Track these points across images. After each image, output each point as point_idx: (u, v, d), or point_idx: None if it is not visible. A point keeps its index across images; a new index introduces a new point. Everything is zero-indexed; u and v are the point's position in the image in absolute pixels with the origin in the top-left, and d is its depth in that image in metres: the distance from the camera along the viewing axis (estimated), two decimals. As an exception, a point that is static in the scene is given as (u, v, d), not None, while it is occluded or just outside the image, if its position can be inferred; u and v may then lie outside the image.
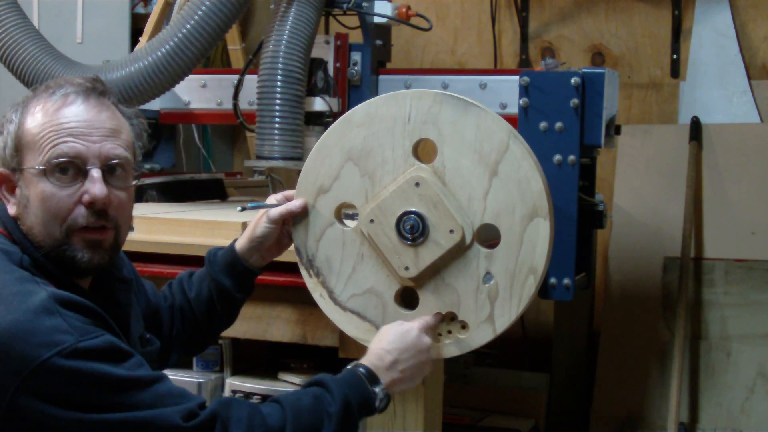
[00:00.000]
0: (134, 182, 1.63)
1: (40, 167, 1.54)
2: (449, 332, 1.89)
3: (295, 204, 1.89)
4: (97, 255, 1.58)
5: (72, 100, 1.57)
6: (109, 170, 1.57)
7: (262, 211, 1.92)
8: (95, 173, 1.55)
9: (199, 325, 1.95)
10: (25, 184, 1.56)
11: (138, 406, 1.44)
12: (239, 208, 1.91)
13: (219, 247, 1.97)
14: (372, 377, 1.71)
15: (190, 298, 1.94)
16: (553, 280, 2.15)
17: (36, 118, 1.56)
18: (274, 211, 1.89)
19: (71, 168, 1.55)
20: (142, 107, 2.70)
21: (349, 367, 1.73)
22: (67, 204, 1.55)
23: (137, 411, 1.44)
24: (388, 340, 1.78)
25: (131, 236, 1.96)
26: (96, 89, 1.61)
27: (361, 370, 1.72)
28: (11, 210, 1.59)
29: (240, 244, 1.92)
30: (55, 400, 1.41)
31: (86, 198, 1.55)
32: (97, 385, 1.43)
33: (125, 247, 1.70)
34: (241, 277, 1.92)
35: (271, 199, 1.93)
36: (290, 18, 2.54)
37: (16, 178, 1.58)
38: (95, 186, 1.55)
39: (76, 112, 1.56)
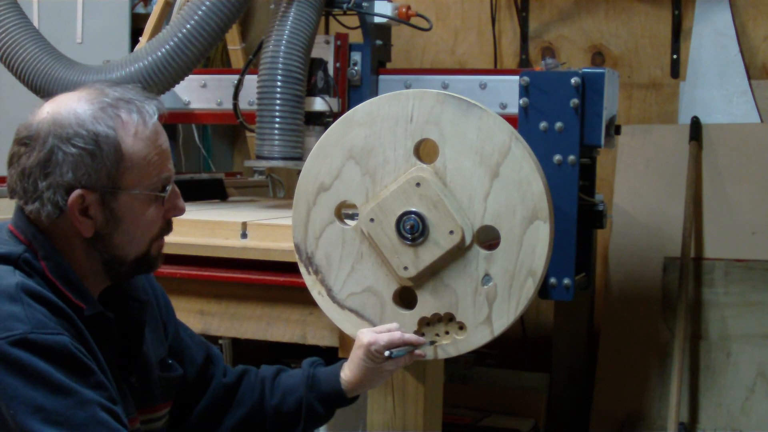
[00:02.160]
0: None
1: (150, 191, 1.56)
2: (447, 333, 1.89)
3: (416, 338, 1.87)
4: (161, 258, 1.66)
5: (157, 119, 1.58)
6: None
7: (386, 353, 1.83)
8: (177, 189, 1.62)
9: (264, 429, 1.90)
10: (121, 205, 1.54)
11: (70, 421, 1.39)
12: (387, 352, 1.82)
13: (318, 363, 1.92)
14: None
15: (268, 404, 1.88)
16: (553, 280, 2.15)
17: (138, 140, 1.54)
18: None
19: (168, 189, 1.60)
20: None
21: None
22: (159, 221, 1.61)
23: (66, 430, 1.38)
24: None
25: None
26: (159, 103, 1.63)
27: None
28: (87, 231, 1.54)
29: (349, 378, 1.86)
30: None
31: (174, 214, 1.62)
32: (34, 381, 1.39)
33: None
34: (339, 405, 1.89)
35: (396, 333, 1.86)
36: (290, 18, 2.54)
37: (102, 198, 1.53)
38: (181, 201, 1.63)
39: (163, 133, 1.60)
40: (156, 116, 1.57)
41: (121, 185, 1.53)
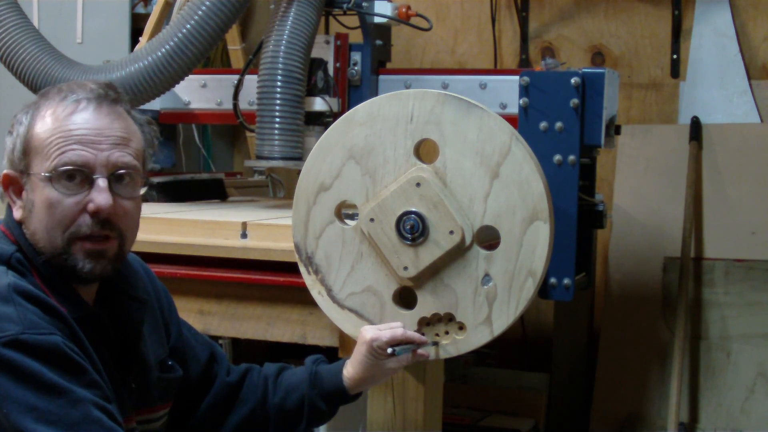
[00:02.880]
0: (142, 191, 1.61)
1: (47, 174, 1.52)
2: (447, 333, 1.89)
3: (419, 336, 1.86)
4: (99, 265, 1.55)
5: (84, 106, 1.55)
6: (116, 179, 1.55)
7: (389, 350, 1.82)
8: (101, 182, 1.53)
9: (267, 427, 1.89)
10: (31, 189, 1.55)
11: (63, 420, 1.38)
12: (389, 349, 1.81)
13: (321, 360, 1.92)
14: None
15: (271, 402, 1.88)
16: (553, 280, 2.15)
17: (46, 123, 1.54)
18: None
19: (78, 176, 1.53)
20: (142, 107, 2.70)
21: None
22: (72, 212, 1.53)
23: (60, 429, 1.38)
24: None
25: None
26: (109, 96, 1.58)
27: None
28: (17, 213, 1.57)
29: (351, 375, 1.86)
30: None
31: (91, 207, 1.53)
32: (26, 382, 1.39)
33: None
34: (341, 403, 1.89)
35: (399, 329, 1.85)
36: (290, 18, 2.54)
37: (23, 182, 1.56)
38: (101, 195, 1.53)
39: (87, 118, 1.54)
40: (85, 103, 1.55)
41: (29, 168, 1.55)
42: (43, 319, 1.44)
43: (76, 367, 1.43)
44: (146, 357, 1.69)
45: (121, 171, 1.56)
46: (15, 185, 1.58)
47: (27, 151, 1.55)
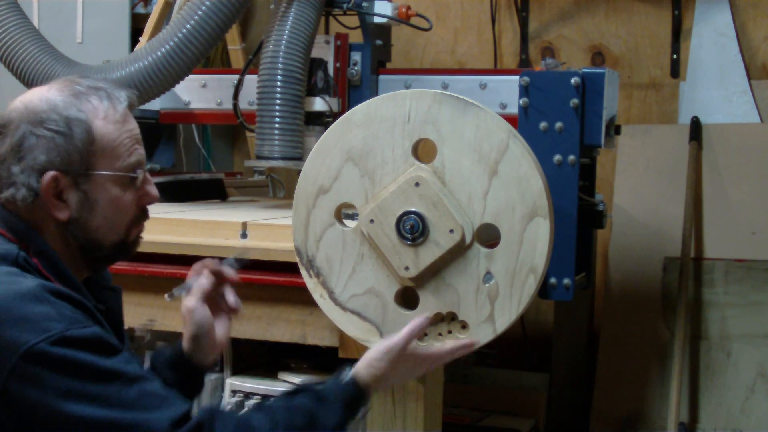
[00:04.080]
0: None
1: (120, 174, 1.58)
2: (449, 332, 1.89)
3: (203, 281, 1.74)
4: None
5: (127, 106, 1.61)
6: None
7: (165, 296, 1.77)
8: (149, 177, 1.64)
9: None
10: (93, 188, 1.57)
11: (123, 401, 1.44)
12: (166, 295, 1.77)
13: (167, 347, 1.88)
14: (365, 396, 1.72)
15: None
16: (553, 280, 2.15)
17: (108, 124, 1.57)
18: (189, 299, 1.74)
19: (140, 173, 1.61)
20: (142, 107, 2.71)
21: (347, 380, 1.72)
22: (135, 205, 1.62)
23: (124, 410, 1.43)
24: (377, 358, 1.75)
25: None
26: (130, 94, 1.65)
27: (357, 387, 1.71)
28: (62, 214, 1.56)
29: (185, 336, 1.81)
30: (42, 387, 1.41)
31: (148, 200, 1.64)
32: (83, 374, 1.42)
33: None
34: (187, 369, 1.78)
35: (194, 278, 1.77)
36: (290, 18, 2.54)
37: (76, 181, 1.56)
38: (154, 188, 1.64)
39: (133, 120, 1.62)
40: (126, 102, 1.61)
41: (92, 167, 1.56)
42: (76, 313, 1.48)
43: (115, 350, 1.48)
44: (127, 345, 1.74)
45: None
46: (57, 187, 1.56)
47: (92, 152, 1.56)
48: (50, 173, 1.53)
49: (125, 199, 1.60)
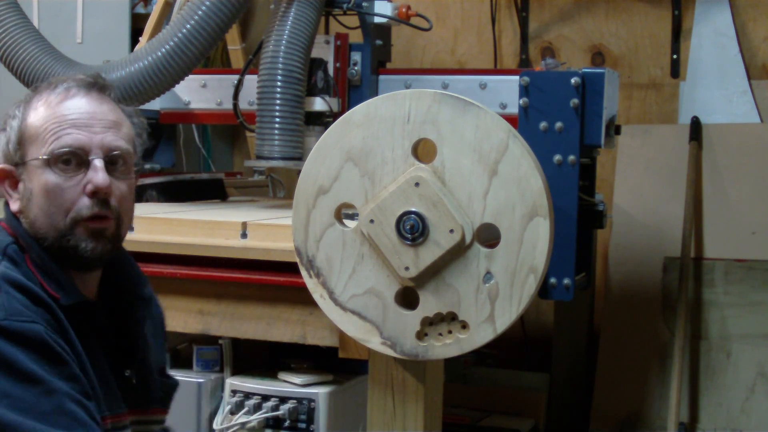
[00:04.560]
0: (135, 176, 1.64)
1: (44, 157, 1.55)
2: (450, 332, 1.89)
3: None
4: (99, 244, 1.57)
5: (74, 93, 1.59)
6: (110, 161, 1.58)
7: None
8: (98, 163, 1.56)
9: None
10: (29, 177, 1.57)
11: (35, 409, 1.39)
12: None
13: None
14: None
15: None
16: (553, 280, 2.15)
17: (38, 112, 1.58)
18: None
19: (74, 159, 1.56)
20: (142, 107, 2.70)
21: None
22: (72, 194, 1.55)
23: (31, 419, 1.38)
24: None
25: (131, 236, 1.96)
26: (97, 84, 1.63)
27: None
28: (14, 206, 1.59)
29: None
30: None
31: (89, 187, 1.55)
32: (2, 367, 1.39)
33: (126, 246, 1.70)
34: None
35: None
36: (290, 18, 2.54)
37: (19, 173, 1.58)
38: (98, 175, 1.55)
39: (78, 104, 1.58)
40: (75, 90, 1.59)
41: (25, 156, 1.57)
42: (29, 308, 1.45)
43: (56, 358, 1.44)
44: (147, 356, 1.69)
45: (116, 153, 1.59)
46: (11, 178, 1.60)
47: (22, 142, 1.58)
48: (0, 166, 1.59)
49: (62, 187, 1.55)
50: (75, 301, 1.55)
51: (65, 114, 1.57)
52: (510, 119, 1.90)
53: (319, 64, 2.70)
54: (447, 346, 1.89)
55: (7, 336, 1.40)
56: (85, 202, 1.55)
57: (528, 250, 1.82)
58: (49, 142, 1.55)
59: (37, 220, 1.56)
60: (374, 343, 1.93)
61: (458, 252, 1.84)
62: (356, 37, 2.75)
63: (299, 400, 2.29)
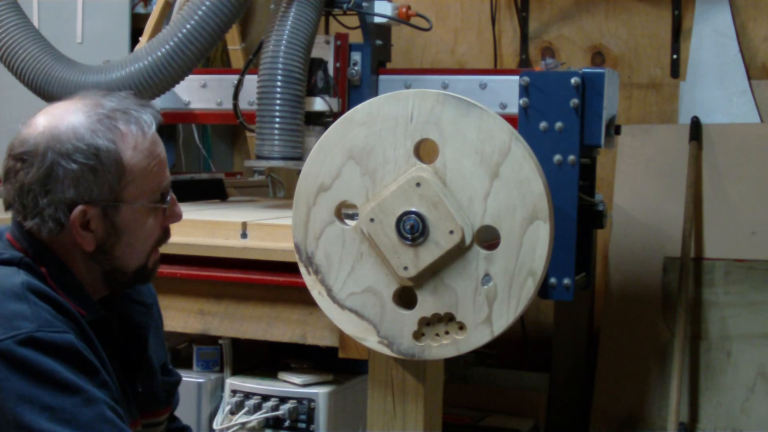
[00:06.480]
0: None
1: (150, 204, 1.56)
2: (447, 333, 1.89)
3: None
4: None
5: (154, 129, 1.58)
6: None
7: None
8: (174, 196, 1.63)
9: None
10: (122, 218, 1.54)
11: (76, 419, 1.38)
12: None
13: None
14: None
15: None
16: (553, 280, 2.15)
17: (137, 152, 1.53)
18: None
19: (168, 198, 1.61)
20: (142, 107, 2.70)
21: None
22: (158, 229, 1.61)
23: (74, 429, 1.37)
24: None
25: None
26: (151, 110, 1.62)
27: None
28: (88, 245, 1.53)
29: None
30: (0, 386, 1.37)
31: (173, 220, 1.63)
32: (42, 380, 1.38)
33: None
34: None
35: None
36: (290, 18, 2.54)
37: (105, 213, 1.52)
38: (178, 207, 1.64)
39: (160, 142, 1.60)
40: (154, 126, 1.57)
41: (123, 198, 1.53)
42: (56, 318, 1.44)
43: (89, 367, 1.43)
44: (151, 361, 1.69)
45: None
46: (84, 218, 1.52)
47: (121, 184, 1.52)
48: (80, 207, 1.50)
49: (150, 225, 1.58)
50: (94, 317, 1.54)
51: (159, 153, 1.58)
52: (510, 119, 1.90)
53: (319, 64, 2.70)
54: (444, 346, 1.89)
55: (42, 347, 1.39)
56: (160, 233, 1.62)
57: (527, 253, 1.82)
58: (154, 186, 1.56)
59: (123, 257, 1.56)
60: (371, 341, 1.94)
61: (457, 253, 1.84)
62: (356, 37, 2.75)
63: (299, 400, 2.29)
